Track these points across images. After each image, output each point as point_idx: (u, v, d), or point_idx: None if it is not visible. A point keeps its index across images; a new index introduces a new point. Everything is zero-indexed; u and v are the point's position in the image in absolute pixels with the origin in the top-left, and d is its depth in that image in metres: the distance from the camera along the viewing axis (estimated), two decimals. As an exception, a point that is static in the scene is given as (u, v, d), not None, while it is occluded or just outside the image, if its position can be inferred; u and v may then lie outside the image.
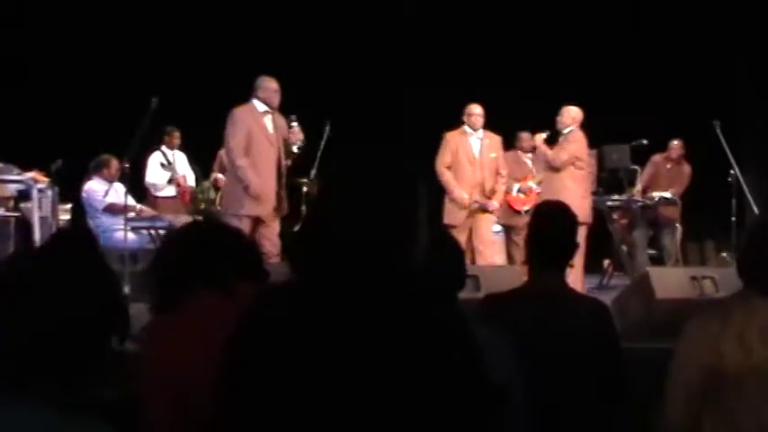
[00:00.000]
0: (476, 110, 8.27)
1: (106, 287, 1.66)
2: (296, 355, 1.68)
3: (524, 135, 9.72)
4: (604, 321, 3.10)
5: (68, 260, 1.65)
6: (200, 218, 7.78)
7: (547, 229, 3.09)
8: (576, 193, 7.85)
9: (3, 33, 10.13)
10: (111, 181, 8.52)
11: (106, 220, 8.54)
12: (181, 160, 9.66)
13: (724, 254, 9.76)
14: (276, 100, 7.29)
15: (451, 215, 8.04)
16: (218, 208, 8.54)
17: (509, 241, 9.03)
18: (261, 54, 9.75)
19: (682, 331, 2.44)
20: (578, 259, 7.07)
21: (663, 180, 9.80)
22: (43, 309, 1.57)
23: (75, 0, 10.39)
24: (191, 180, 9.61)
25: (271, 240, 7.02)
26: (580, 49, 10.89)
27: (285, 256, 5.34)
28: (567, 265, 3.11)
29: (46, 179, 8.17)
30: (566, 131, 8.18)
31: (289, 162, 7.40)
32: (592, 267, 8.45)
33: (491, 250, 8.14)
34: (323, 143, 8.35)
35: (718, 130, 8.44)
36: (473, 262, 7.76)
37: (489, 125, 8.29)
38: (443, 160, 8.14)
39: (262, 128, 7.24)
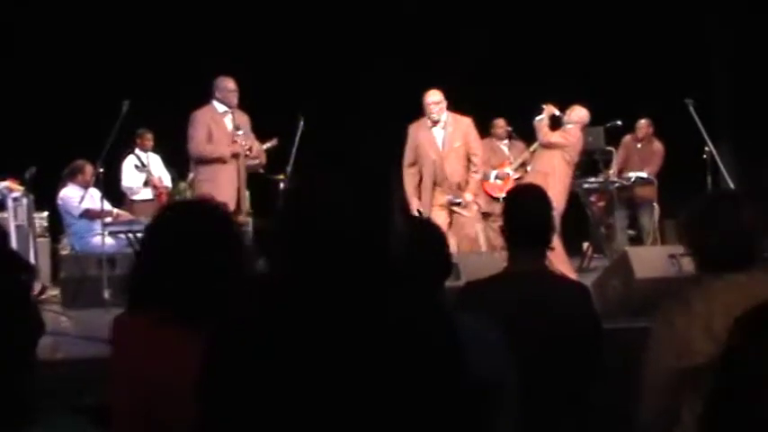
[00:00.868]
0: (430, 98, 7.49)
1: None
2: (277, 352, 1.67)
3: (499, 122, 9.74)
4: (586, 303, 3.11)
5: None
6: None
7: (522, 212, 3.09)
8: (558, 179, 7.92)
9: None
10: (86, 186, 8.49)
11: (83, 226, 8.52)
12: (155, 162, 9.62)
13: (702, 230, 9.79)
14: (233, 99, 7.54)
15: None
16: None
17: (488, 228, 9.04)
18: (232, 54, 9.69)
19: (650, 333, 2.42)
20: (557, 242, 7.09)
21: (635, 160, 9.85)
22: None
23: (44, 6, 10.29)
24: (167, 181, 9.58)
25: None
26: (556, 34, 10.88)
27: (262, 253, 5.31)
28: (545, 247, 3.10)
29: (20, 187, 8.12)
30: (568, 127, 8.24)
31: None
32: (571, 250, 8.46)
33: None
34: (297, 138, 8.31)
35: (692, 109, 8.48)
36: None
37: (466, 113, 7.77)
38: (407, 158, 7.60)
39: (221, 128, 7.42)
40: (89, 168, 8.54)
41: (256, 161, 7.73)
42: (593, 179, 9.64)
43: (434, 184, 7.58)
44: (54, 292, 8.23)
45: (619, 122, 9.69)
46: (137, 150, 9.48)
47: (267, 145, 8.03)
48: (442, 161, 7.53)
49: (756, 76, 10.11)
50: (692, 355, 2.28)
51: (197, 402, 1.74)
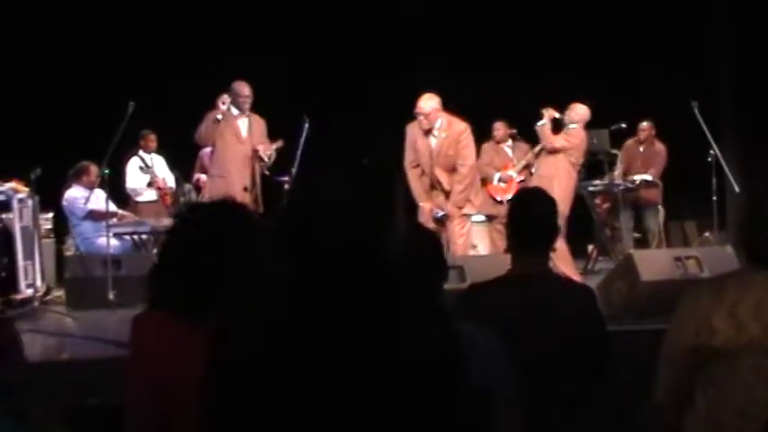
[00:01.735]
0: (420, 108, 7.27)
1: None
2: (277, 352, 1.67)
3: (498, 125, 9.72)
4: (591, 305, 3.10)
5: None
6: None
7: (527, 214, 3.09)
8: (562, 182, 7.92)
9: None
10: (91, 188, 8.51)
11: (88, 227, 8.54)
12: (159, 163, 9.63)
13: (707, 233, 9.79)
14: (245, 105, 7.77)
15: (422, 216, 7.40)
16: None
17: (492, 230, 9.05)
18: (237, 55, 9.71)
19: (676, 305, 2.43)
20: (561, 244, 7.08)
21: (638, 163, 9.83)
22: None
23: (50, 7, 10.30)
24: (170, 182, 9.58)
25: None
26: (559, 36, 10.87)
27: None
28: (549, 249, 3.09)
29: (26, 188, 8.12)
30: (570, 127, 8.22)
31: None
32: (576, 253, 8.45)
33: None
34: (302, 140, 8.32)
35: (696, 111, 8.47)
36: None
37: (466, 115, 7.59)
38: (408, 158, 7.45)
39: (234, 131, 7.68)
40: (94, 169, 8.56)
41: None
42: (598, 181, 9.64)
43: (431, 187, 7.48)
44: (59, 292, 8.24)
45: (623, 125, 9.70)
46: (140, 152, 9.49)
47: (273, 146, 8.08)
48: (432, 168, 7.40)
49: (761, 78, 10.08)
50: (710, 333, 2.27)
51: (201, 401, 1.74)
